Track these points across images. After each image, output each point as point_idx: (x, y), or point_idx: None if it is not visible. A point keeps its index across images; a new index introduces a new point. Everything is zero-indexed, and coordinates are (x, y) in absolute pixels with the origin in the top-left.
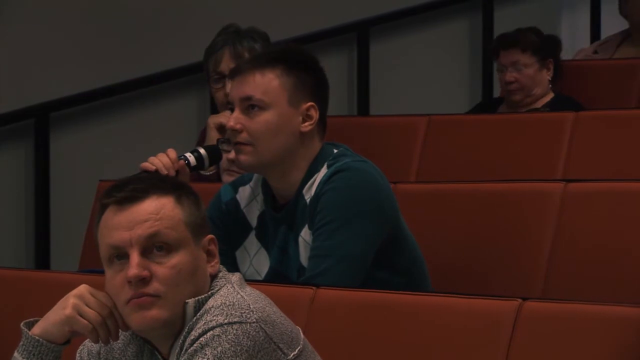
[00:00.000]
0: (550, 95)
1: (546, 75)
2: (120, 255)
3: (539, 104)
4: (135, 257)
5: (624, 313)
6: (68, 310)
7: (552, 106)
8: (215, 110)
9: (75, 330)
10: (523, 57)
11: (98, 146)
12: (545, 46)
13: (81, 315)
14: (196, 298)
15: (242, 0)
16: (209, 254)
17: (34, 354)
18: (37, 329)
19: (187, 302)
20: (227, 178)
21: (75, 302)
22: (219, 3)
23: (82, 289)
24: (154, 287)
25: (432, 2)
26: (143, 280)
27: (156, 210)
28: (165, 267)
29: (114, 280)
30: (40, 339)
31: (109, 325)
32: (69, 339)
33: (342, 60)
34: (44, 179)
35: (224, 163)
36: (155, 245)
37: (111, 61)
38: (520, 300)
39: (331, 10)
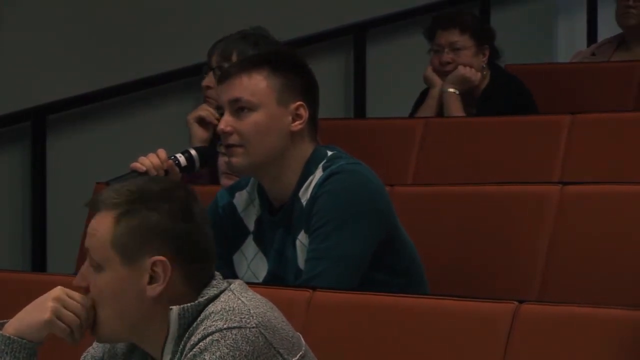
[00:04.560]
0: (486, 82)
1: (481, 62)
2: None
3: (475, 92)
4: (84, 264)
5: (620, 315)
6: (47, 315)
7: (487, 93)
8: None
9: (54, 333)
10: (462, 39)
11: (95, 148)
12: (483, 31)
13: (60, 319)
14: (182, 305)
15: (239, 3)
16: (154, 274)
17: (6, 352)
18: (10, 329)
19: (171, 309)
20: (225, 181)
21: (54, 305)
22: (215, 6)
23: (59, 291)
24: (90, 300)
25: (428, 5)
26: (83, 289)
27: (94, 227)
28: (93, 284)
29: None
30: (12, 337)
31: (84, 326)
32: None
33: (339, 63)
34: (41, 181)
35: (222, 166)
36: (92, 261)
37: (108, 64)
38: (517, 302)
39: (328, 12)
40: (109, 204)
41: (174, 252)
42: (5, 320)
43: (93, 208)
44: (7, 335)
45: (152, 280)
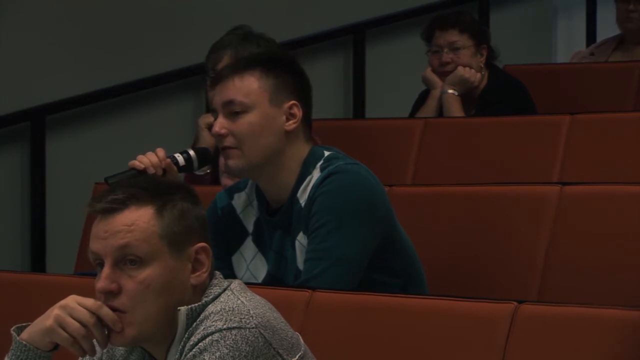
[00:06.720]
0: (484, 82)
1: (479, 61)
2: (101, 263)
3: (474, 93)
4: (106, 268)
5: (619, 316)
6: (49, 322)
7: (486, 93)
8: (209, 111)
9: (57, 342)
10: (461, 39)
11: (94, 149)
12: (481, 31)
13: (63, 327)
14: (189, 306)
15: (238, 3)
16: (197, 262)
17: (21, 359)
18: (24, 335)
19: (179, 309)
20: (226, 181)
21: (58, 313)
22: (214, 7)
23: (69, 298)
24: (121, 301)
25: (428, 5)
26: (112, 293)
27: (130, 222)
28: (134, 281)
29: (95, 286)
30: (28, 344)
31: (96, 335)
32: (57, 346)
33: (338, 63)
34: (40, 182)
35: (222, 166)
36: (127, 258)
37: (108, 64)
38: (516, 303)
39: (327, 12)
40: (141, 198)
41: (206, 240)
42: (24, 324)
43: (110, 210)
44: (24, 342)
45: (194, 268)
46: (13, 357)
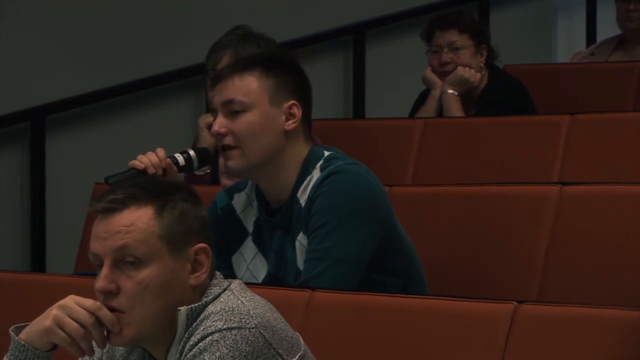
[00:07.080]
0: (484, 82)
1: (480, 62)
2: (100, 263)
3: (474, 93)
4: (105, 268)
5: (619, 316)
6: (48, 322)
7: (486, 93)
8: (209, 111)
9: (55, 342)
10: (461, 39)
11: (94, 149)
12: (481, 31)
13: (61, 328)
14: (189, 306)
15: (238, 3)
16: (196, 263)
17: (20, 359)
18: (23, 335)
19: (179, 310)
20: (225, 181)
21: (57, 313)
22: (214, 7)
23: (68, 299)
24: (120, 301)
25: (428, 5)
26: (110, 293)
27: (129, 223)
28: (132, 281)
29: (94, 286)
30: (26, 344)
31: (94, 335)
32: (55, 346)
33: (338, 63)
34: (40, 182)
35: (222, 166)
36: (126, 259)
37: (108, 64)
38: (516, 303)
39: (327, 12)
40: (141, 198)
41: (206, 241)
42: (23, 324)
43: (110, 210)
44: (22, 342)
45: (193, 269)
46: (12, 357)
